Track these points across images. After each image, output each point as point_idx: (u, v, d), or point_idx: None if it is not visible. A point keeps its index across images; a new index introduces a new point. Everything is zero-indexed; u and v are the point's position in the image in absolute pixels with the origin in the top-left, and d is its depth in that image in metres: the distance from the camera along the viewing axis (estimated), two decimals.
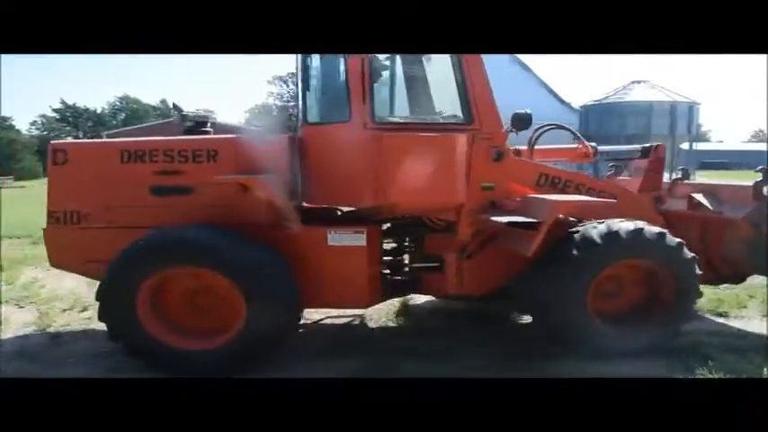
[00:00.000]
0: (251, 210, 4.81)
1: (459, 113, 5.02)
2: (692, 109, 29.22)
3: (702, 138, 65.94)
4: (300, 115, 5.26)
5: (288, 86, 74.26)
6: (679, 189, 6.08)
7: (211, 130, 5.44)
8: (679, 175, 6.27)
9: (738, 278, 5.80)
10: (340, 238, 4.88)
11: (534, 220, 4.47)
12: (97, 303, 4.55)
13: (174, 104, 5.91)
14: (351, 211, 5.37)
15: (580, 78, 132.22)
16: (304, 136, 5.16)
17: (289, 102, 73.35)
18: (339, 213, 5.39)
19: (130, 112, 78.54)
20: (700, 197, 5.60)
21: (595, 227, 4.77)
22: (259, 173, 4.73)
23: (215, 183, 4.70)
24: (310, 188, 5.07)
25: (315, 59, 5.33)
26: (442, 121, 5.25)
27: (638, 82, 30.32)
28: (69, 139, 4.50)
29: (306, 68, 5.31)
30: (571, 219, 4.97)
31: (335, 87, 5.07)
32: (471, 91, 4.96)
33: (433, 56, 5.33)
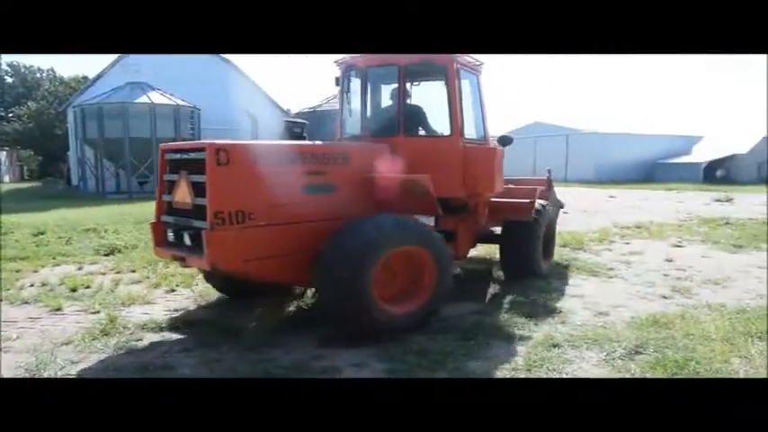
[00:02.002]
0: (393, 201, 6.05)
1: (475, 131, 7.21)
2: None
3: None
4: (399, 128, 6.64)
5: None
6: None
7: (306, 135, 6.59)
8: None
9: None
10: (424, 221, 6.12)
11: (528, 200, 7.65)
12: None
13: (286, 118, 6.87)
14: None
15: (298, 85, 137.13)
16: (401, 144, 6.51)
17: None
18: None
19: None
20: (510, 186, 8.09)
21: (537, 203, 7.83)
22: (374, 173, 6.06)
23: (368, 179, 6.01)
24: None
25: (413, 86, 7.09)
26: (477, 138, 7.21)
27: None
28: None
29: (404, 92, 6.75)
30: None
31: (428, 110, 7.08)
32: (484, 115, 7.35)
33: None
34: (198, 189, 5.23)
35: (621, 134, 50.16)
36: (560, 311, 6.28)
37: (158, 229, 5.82)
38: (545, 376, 4.52)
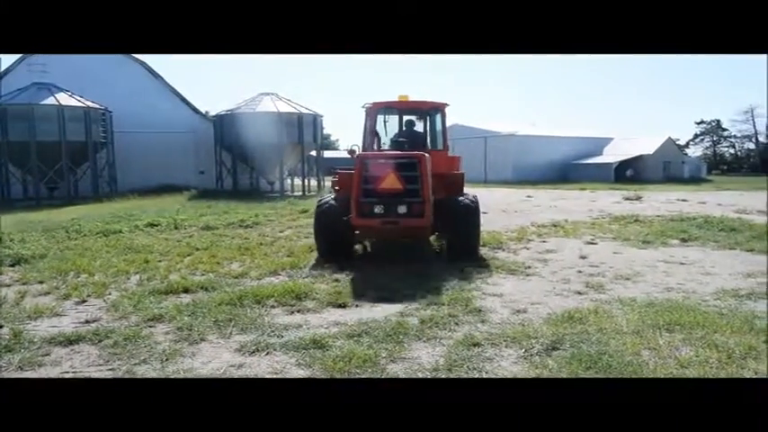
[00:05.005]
0: (450, 188, 10.19)
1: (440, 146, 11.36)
2: (316, 120, 31.68)
3: (331, 146, 71.94)
4: (429, 146, 11.13)
5: None
6: None
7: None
8: None
9: None
10: None
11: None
12: None
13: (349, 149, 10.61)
14: None
15: (214, 89, 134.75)
16: (430, 155, 9.85)
17: None
18: None
19: None
20: None
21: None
22: (436, 170, 9.84)
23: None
24: None
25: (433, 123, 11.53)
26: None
27: (267, 94, 31.79)
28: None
29: (426, 124, 11.55)
30: None
31: (436, 135, 11.48)
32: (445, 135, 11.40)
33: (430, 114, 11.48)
34: (406, 180, 8.92)
35: (538, 136, 51.82)
36: (480, 310, 6.38)
37: (358, 206, 8.96)
38: (466, 376, 4.58)
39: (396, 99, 11.09)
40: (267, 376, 4.63)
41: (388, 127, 11.65)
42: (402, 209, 8.92)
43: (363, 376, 4.57)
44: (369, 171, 9.12)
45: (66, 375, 4.69)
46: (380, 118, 11.41)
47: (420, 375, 4.60)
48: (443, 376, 4.59)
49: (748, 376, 4.50)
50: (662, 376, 4.53)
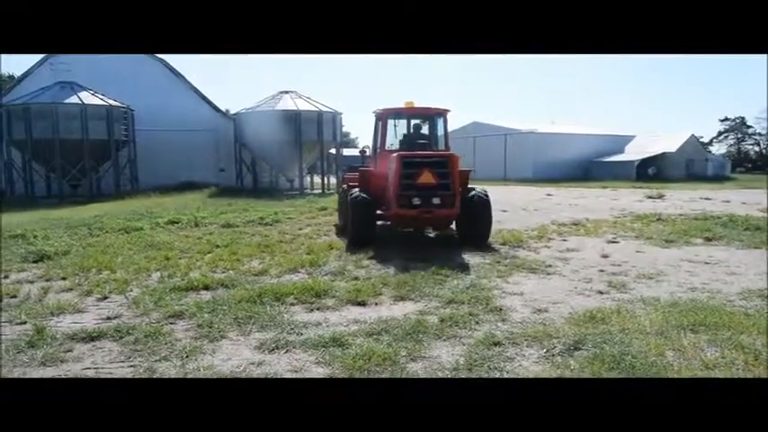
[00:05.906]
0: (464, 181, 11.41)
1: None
2: (335, 118, 31.68)
3: (351, 144, 71.82)
4: (443, 148, 12.26)
5: None
6: None
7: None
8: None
9: None
10: None
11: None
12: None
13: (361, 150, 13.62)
14: None
15: (234, 87, 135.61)
16: (449, 155, 11.11)
17: None
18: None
19: None
20: None
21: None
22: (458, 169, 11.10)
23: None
24: None
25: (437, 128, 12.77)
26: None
27: (287, 92, 31.86)
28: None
29: (436, 128, 12.79)
30: None
31: (439, 137, 12.64)
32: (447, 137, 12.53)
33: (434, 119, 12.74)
34: (438, 176, 10.46)
35: (558, 134, 51.41)
36: (500, 309, 6.33)
37: (398, 198, 10.50)
38: (486, 375, 4.53)
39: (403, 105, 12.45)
40: (286, 376, 4.62)
41: (395, 130, 12.97)
42: (436, 200, 10.50)
43: (382, 376, 4.55)
44: (407, 168, 10.54)
45: (88, 373, 4.72)
46: (391, 122, 12.63)
47: (440, 375, 4.57)
48: (463, 376, 4.55)
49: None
50: (674, 376, 4.44)
